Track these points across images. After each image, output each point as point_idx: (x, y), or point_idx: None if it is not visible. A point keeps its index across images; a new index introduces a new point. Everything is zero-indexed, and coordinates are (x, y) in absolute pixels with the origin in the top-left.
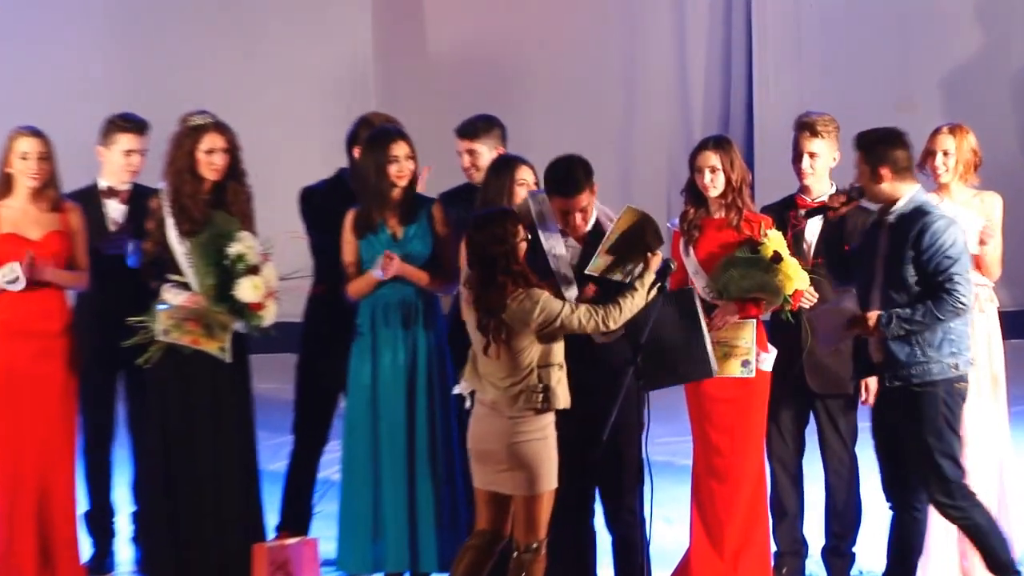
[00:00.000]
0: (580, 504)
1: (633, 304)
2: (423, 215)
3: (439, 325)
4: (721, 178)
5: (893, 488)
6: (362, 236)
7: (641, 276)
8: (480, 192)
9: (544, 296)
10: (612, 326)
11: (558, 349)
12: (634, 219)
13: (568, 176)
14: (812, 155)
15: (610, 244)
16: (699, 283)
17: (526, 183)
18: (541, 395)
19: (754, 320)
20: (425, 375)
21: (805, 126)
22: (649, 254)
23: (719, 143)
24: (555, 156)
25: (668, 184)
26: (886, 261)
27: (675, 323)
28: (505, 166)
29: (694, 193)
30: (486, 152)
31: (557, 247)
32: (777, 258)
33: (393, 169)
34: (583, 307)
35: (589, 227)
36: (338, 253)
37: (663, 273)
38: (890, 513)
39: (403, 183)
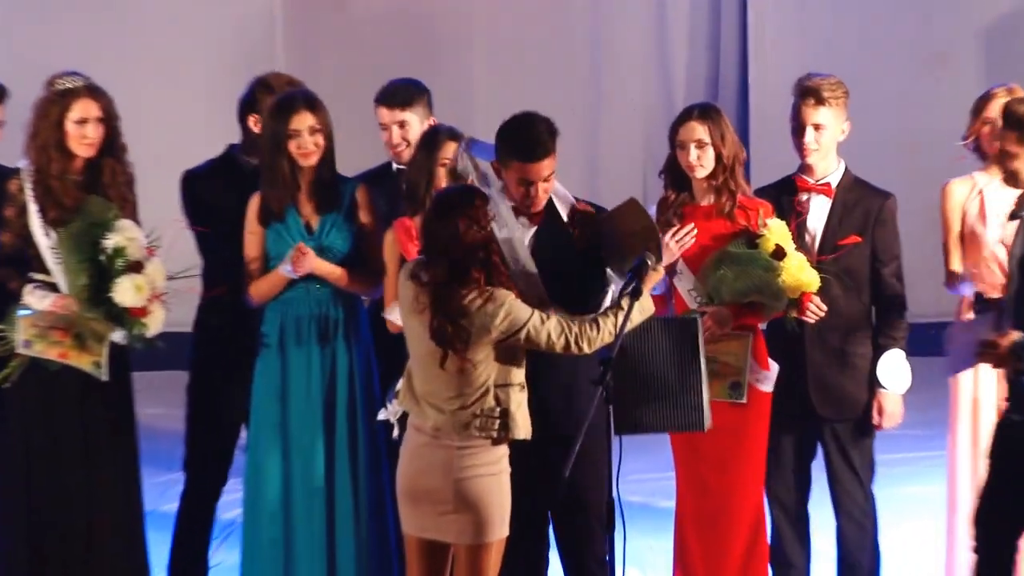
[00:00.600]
0: (534, 555)
1: (616, 326)
2: (344, 201)
3: (364, 338)
4: (710, 154)
5: (989, 523)
6: (268, 226)
7: (635, 293)
8: (406, 173)
9: (510, 299)
10: (587, 349)
11: (519, 366)
12: (637, 218)
13: (530, 136)
14: (817, 127)
15: (611, 246)
16: (683, 285)
17: (451, 164)
18: (499, 421)
19: (750, 331)
20: (346, 400)
21: (808, 92)
22: (649, 265)
23: (706, 112)
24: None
25: (644, 164)
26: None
27: (667, 355)
28: (432, 141)
29: (676, 174)
30: (417, 124)
31: (510, 225)
32: (780, 253)
33: (293, 145)
34: (554, 319)
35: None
36: (233, 249)
37: (638, 271)
38: (965, 556)
39: (309, 162)
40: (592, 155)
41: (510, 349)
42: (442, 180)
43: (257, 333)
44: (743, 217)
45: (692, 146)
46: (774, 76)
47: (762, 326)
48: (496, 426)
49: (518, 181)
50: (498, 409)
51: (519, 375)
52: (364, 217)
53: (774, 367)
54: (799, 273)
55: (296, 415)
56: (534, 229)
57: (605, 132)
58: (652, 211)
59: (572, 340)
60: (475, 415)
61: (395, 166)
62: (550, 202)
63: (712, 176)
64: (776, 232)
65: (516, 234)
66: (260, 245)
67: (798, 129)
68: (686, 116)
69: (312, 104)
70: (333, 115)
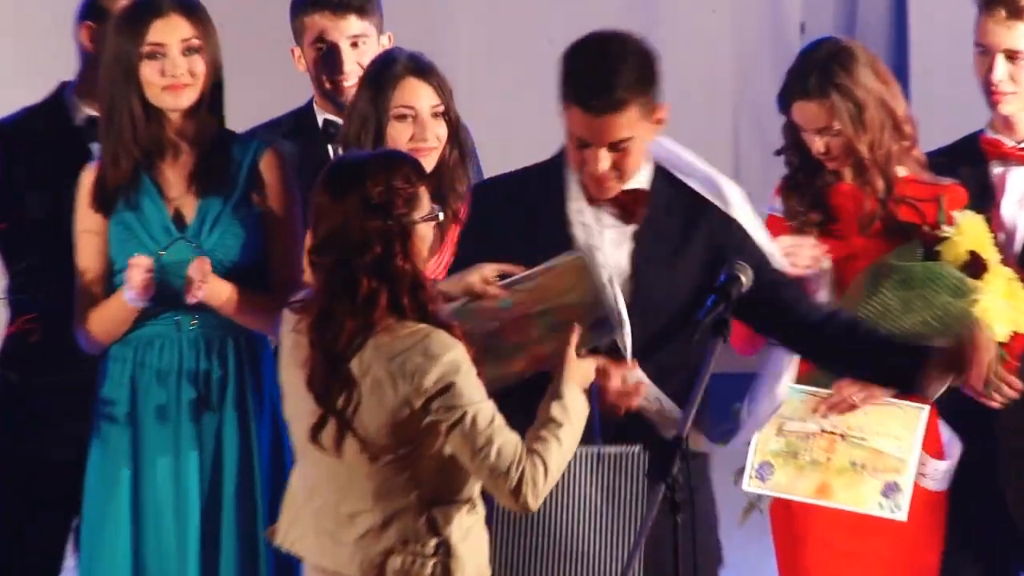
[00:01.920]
0: None
1: (567, 448)
2: (239, 174)
3: (269, 405)
4: (838, 144)
5: None
6: (111, 215)
7: (556, 393)
8: (343, 124)
9: (458, 352)
10: (531, 503)
11: (468, 470)
12: (574, 288)
13: (597, 68)
14: (1013, 55)
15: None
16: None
17: (414, 116)
18: (434, 563)
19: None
20: (235, 508)
21: (997, 1)
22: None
23: (828, 75)
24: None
25: (733, 123)
26: None
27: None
28: (384, 74)
29: (803, 153)
30: (373, 42)
31: (585, 222)
32: (977, 266)
33: (152, 72)
34: (513, 436)
35: (635, 184)
36: (51, 254)
37: (726, 289)
38: None
39: (179, 102)
40: None
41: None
42: (398, 140)
43: (92, 396)
44: (908, 213)
45: (811, 132)
46: None
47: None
48: (429, 572)
49: (576, 142)
50: (433, 541)
51: (470, 485)
52: (273, 200)
53: (951, 450)
54: (1014, 299)
55: (154, 534)
56: (630, 235)
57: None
58: (774, 207)
59: (519, 477)
60: (391, 551)
61: (321, 115)
62: (663, 179)
63: (851, 164)
64: (970, 231)
65: (594, 240)
66: (99, 248)
67: (985, 63)
68: (797, 88)
69: (188, 7)
70: (236, 41)
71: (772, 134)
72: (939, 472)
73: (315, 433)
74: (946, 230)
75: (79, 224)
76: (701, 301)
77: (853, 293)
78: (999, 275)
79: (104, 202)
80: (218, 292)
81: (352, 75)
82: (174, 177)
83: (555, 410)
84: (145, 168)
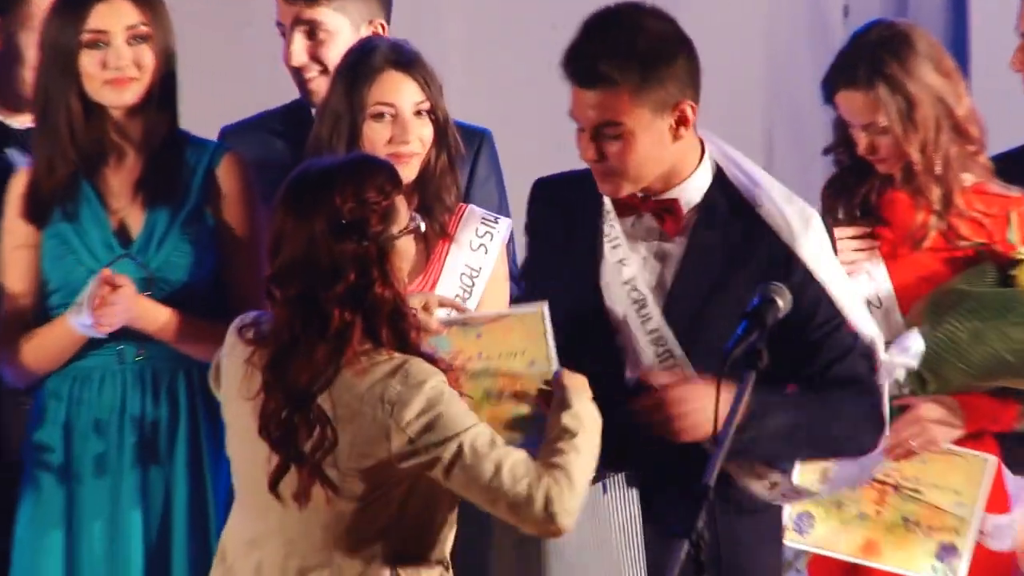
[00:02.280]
0: None
1: (588, 457)
2: (193, 181)
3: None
4: (887, 143)
5: None
6: (44, 227)
7: (562, 404)
8: (315, 125)
9: (437, 381)
10: (565, 523)
11: (446, 526)
12: (524, 343)
13: (589, 37)
14: None
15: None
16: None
17: (393, 115)
18: None
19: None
20: (185, 573)
21: None
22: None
23: (877, 65)
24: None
25: (765, 122)
26: None
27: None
28: (360, 65)
29: (853, 152)
30: (348, 30)
31: (614, 224)
32: None
33: (93, 64)
34: (521, 453)
35: (685, 192)
36: None
37: (760, 314)
38: None
39: (123, 98)
40: None
41: (427, 491)
42: (375, 141)
43: (20, 440)
44: (975, 228)
45: (857, 127)
46: None
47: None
48: None
49: (578, 121)
50: None
51: (442, 544)
52: (231, 212)
53: (1019, 504)
54: None
55: None
56: (672, 252)
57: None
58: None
59: (544, 498)
60: None
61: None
62: (719, 203)
63: (901, 169)
64: None
65: (621, 254)
66: (31, 264)
67: None
68: (841, 73)
69: None
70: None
71: (810, 132)
72: (1003, 529)
73: (274, 483)
74: (1021, 251)
75: (6, 238)
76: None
77: (913, 321)
78: None
79: (37, 212)
80: (150, 317)
81: (311, 68)
82: (118, 184)
83: (566, 419)
84: (85, 174)
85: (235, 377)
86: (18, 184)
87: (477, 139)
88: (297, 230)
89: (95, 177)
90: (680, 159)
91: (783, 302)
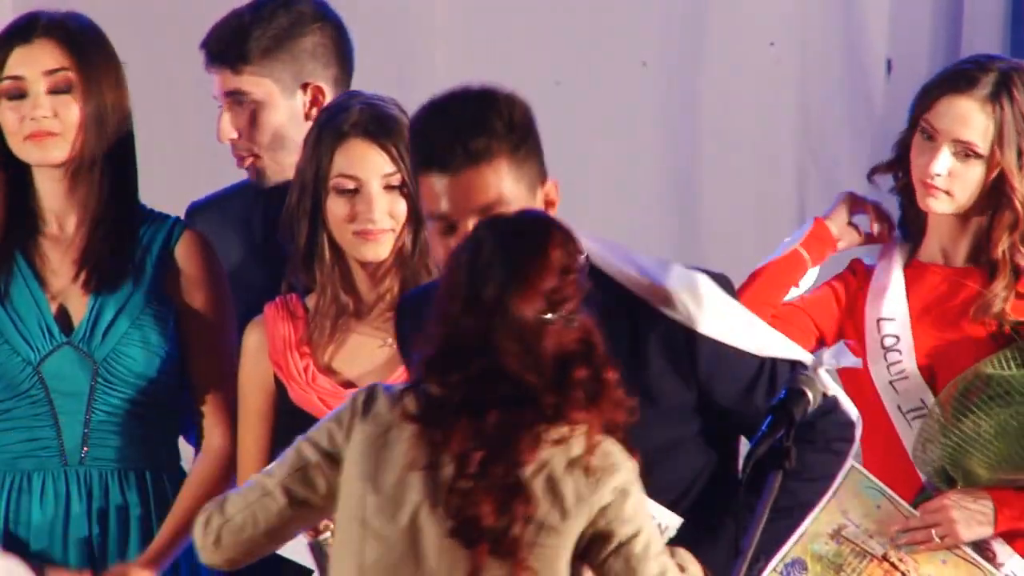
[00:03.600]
0: None
1: None
2: (148, 260)
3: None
4: (975, 175)
5: None
6: None
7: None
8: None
9: (628, 464)
10: None
11: None
12: None
13: (442, 119)
14: None
15: None
16: (894, 400)
17: (355, 184)
18: None
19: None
20: None
21: None
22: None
23: (1007, 84)
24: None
25: (798, 192)
26: None
27: None
28: (329, 126)
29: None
30: (276, 100)
31: None
32: None
33: (11, 116)
34: (689, 557)
35: None
36: None
37: (787, 409)
38: None
39: (51, 155)
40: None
41: None
42: (334, 221)
43: None
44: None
45: (941, 140)
46: None
47: None
48: None
49: (426, 207)
50: None
51: None
52: (195, 295)
53: None
54: None
55: None
56: None
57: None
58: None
59: None
60: None
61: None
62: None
63: (965, 216)
64: None
65: None
66: None
67: None
68: (956, 80)
69: (65, 28)
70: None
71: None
72: None
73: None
74: None
75: None
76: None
77: (942, 413)
78: None
79: None
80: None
81: (239, 145)
82: (58, 259)
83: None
84: (17, 245)
85: (392, 459)
86: None
87: None
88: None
89: (29, 250)
90: None
91: (813, 393)
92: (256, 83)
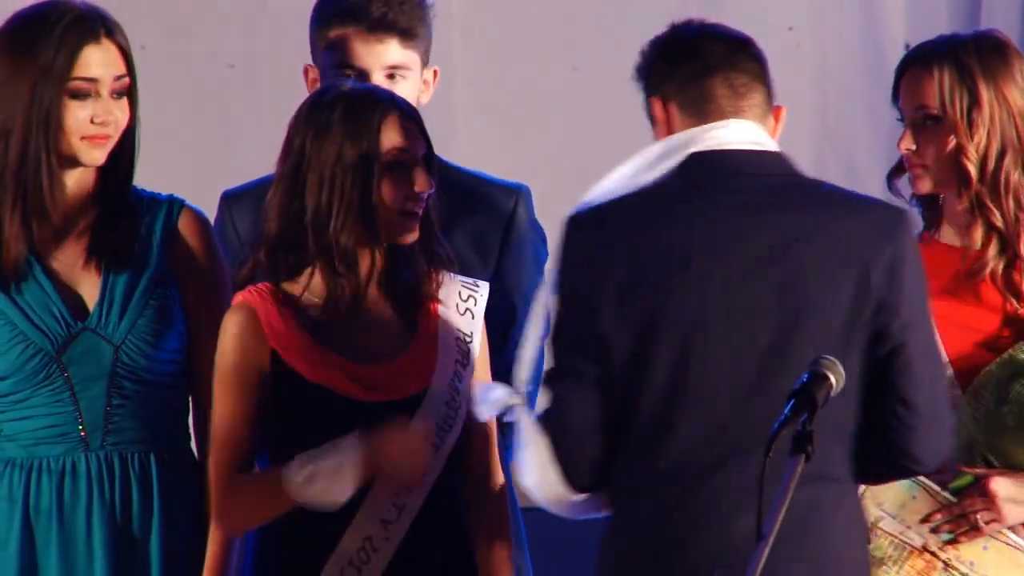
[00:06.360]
0: None
1: None
2: (153, 240)
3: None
4: (931, 143)
5: None
6: None
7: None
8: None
9: None
10: None
11: None
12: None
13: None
14: None
15: None
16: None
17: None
18: None
19: None
20: None
21: None
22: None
23: (955, 53)
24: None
25: (819, 167)
26: None
27: None
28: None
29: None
30: (416, 77)
31: None
32: None
33: (81, 117)
34: None
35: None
36: None
37: (810, 392)
38: None
39: (99, 158)
40: None
41: None
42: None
43: None
44: None
45: (911, 120)
46: None
47: None
48: None
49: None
50: None
51: None
52: (201, 271)
53: None
54: None
55: None
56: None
57: None
58: None
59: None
60: None
61: None
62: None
63: (953, 191)
64: None
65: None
66: None
67: None
68: (912, 58)
69: (120, 31)
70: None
71: (862, 179)
72: None
73: None
74: None
75: None
76: None
77: (971, 405)
78: None
79: None
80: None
81: None
82: (63, 246)
83: None
84: (38, 234)
85: None
86: None
87: (513, 197)
88: None
89: (34, 240)
90: None
91: (836, 377)
92: (413, 59)
